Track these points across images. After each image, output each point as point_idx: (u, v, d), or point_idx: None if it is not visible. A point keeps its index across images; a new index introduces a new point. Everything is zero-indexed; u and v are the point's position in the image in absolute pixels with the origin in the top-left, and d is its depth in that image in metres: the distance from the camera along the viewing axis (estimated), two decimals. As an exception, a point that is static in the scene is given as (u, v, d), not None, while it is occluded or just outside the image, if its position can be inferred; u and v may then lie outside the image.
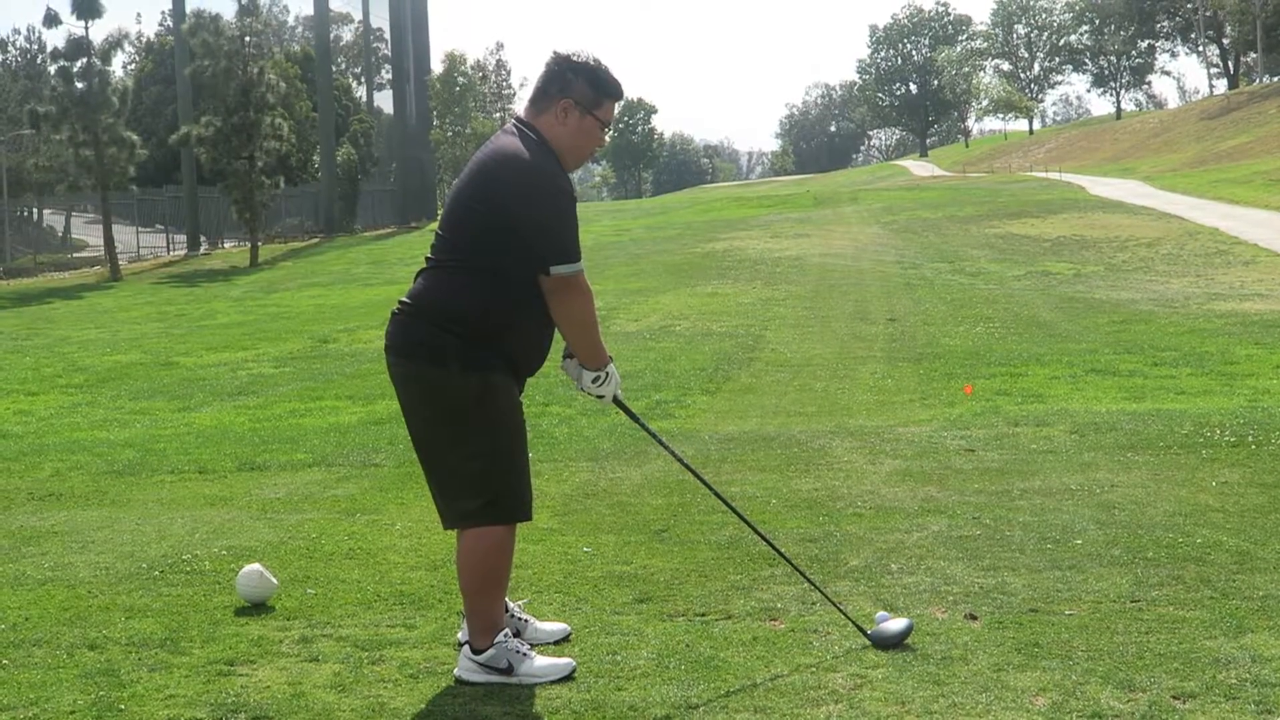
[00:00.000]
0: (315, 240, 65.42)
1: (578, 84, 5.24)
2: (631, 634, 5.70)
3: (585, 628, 5.82)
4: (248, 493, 9.39)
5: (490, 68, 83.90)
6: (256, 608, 6.25)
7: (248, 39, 56.39)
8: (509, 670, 5.15)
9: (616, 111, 5.47)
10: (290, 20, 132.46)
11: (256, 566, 6.38)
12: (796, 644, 5.50)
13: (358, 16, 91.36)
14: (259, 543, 7.63)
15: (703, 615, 5.97)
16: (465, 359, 5.10)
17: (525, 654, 5.20)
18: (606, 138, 5.45)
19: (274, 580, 6.37)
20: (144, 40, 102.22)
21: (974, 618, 5.77)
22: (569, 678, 5.14)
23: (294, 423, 13.35)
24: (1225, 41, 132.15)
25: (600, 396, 5.54)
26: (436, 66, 79.49)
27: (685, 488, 8.77)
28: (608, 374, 5.44)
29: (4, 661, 5.48)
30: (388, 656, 5.48)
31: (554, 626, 5.72)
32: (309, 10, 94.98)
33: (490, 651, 5.17)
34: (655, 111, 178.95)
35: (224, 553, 7.38)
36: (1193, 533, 7.15)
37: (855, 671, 5.08)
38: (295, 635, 5.81)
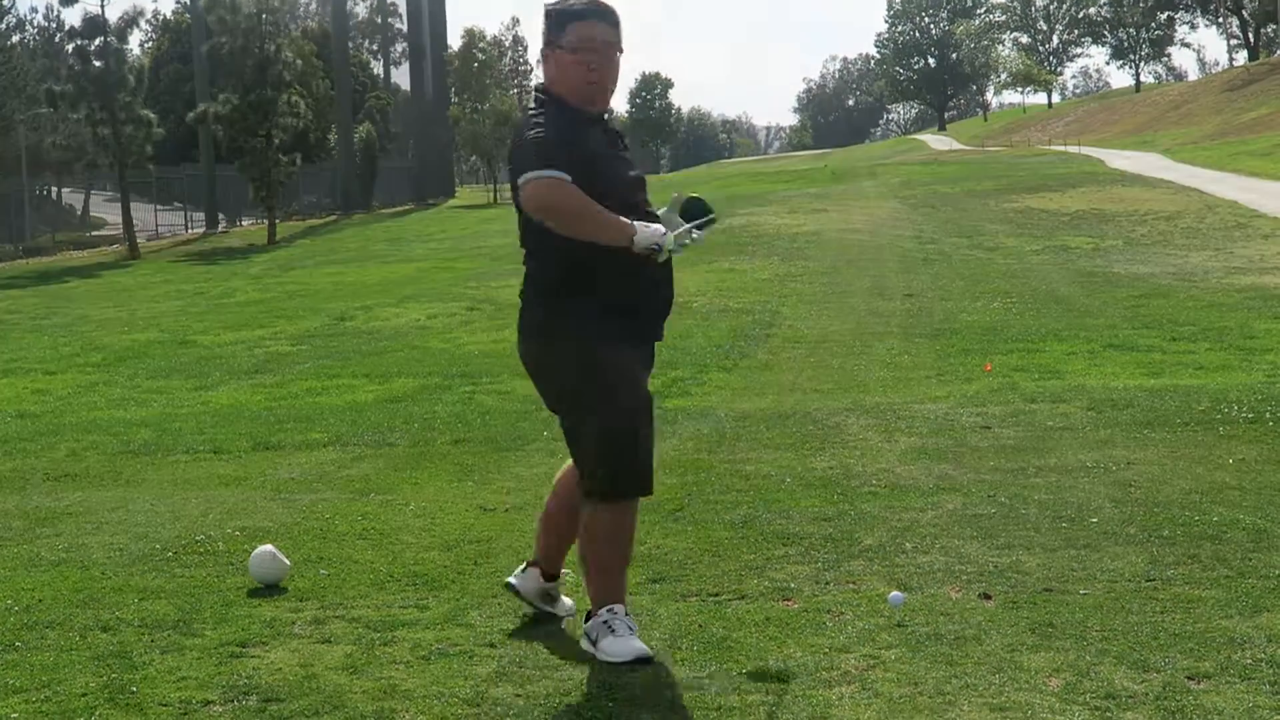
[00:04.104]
0: (333, 218, 65.50)
1: (546, 29, 5.20)
2: (644, 614, 5.68)
3: (598, 608, 5.80)
4: (262, 473, 9.39)
5: (507, 44, 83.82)
6: (269, 589, 6.24)
7: (264, 16, 56.35)
8: (594, 643, 5.19)
9: (597, 31, 5.13)
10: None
11: (269, 548, 6.37)
12: (809, 624, 5.48)
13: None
14: (272, 523, 7.63)
15: (716, 595, 5.96)
16: (562, 326, 5.13)
17: (613, 629, 5.17)
18: (598, 59, 5.12)
19: (286, 561, 6.37)
20: (161, 18, 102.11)
21: (988, 597, 5.75)
22: (639, 662, 5.06)
23: (310, 401, 13.37)
24: (1245, 13, 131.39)
25: (656, 248, 4.94)
26: (454, 42, 79.40)
27: (700, 467, 8.77)
28: (646, 232, 4.94)
29: (17, 643, 5.48)
30: (400, 638, 5.47)
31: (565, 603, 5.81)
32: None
33: (589, 621, 5.26)
34: (672, 86, 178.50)
35: (237, 533, 7.37)
36: (1209, 511, 7.12)
37: (868, 652, 5.06)
38: (308, 616, 5.80)
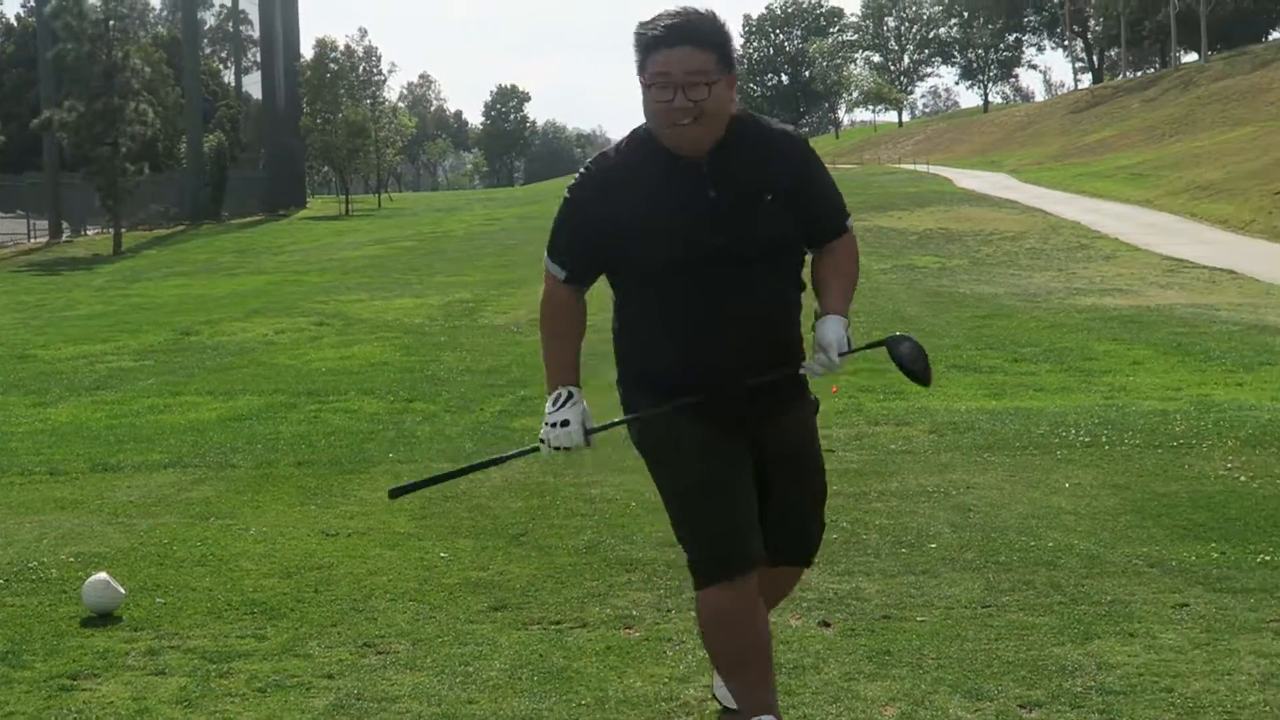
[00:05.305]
0: (181, 228, 64.45)
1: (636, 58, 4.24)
2: (485, 643, 5.67)
3: (439, 637, 5.77)
4: (99, 495, 9.19)
5: (360, 54, 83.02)
6: (103, 618, 6.12)
7: (112, 22, 55.40)
8: None
9: (663, 63, 4.09)
10: (155, 3, 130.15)
11: (103, 575, 6.26)
12: (650, 653, 5.49)
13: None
14: (109, 549, 7.48)
15: (557, 624, 5.96)
16: (623, 398, 4.52)
17: None
18: (669, 95, 4.10)
19: (121, 589, 6.25)
20: (4, 22, 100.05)
21: (827, 625, 5.80)
22: None
23: (152, 419, 13.13)
24: (1090, 36, 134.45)
25: (542, 441, 4.39)
26: (306, 52, 78.70)
27: (545, 490, 8.75)
28: (555, 408, 4.38)
29: None
30: (236, 669, 5.39)
31: None
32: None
33: None
34: (528, 99, 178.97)
35: (72, 560, 7.22)
36: (1044, 536, 7.24)
37: (708, 683, 5.08)
38: (142, 647, 5.70)
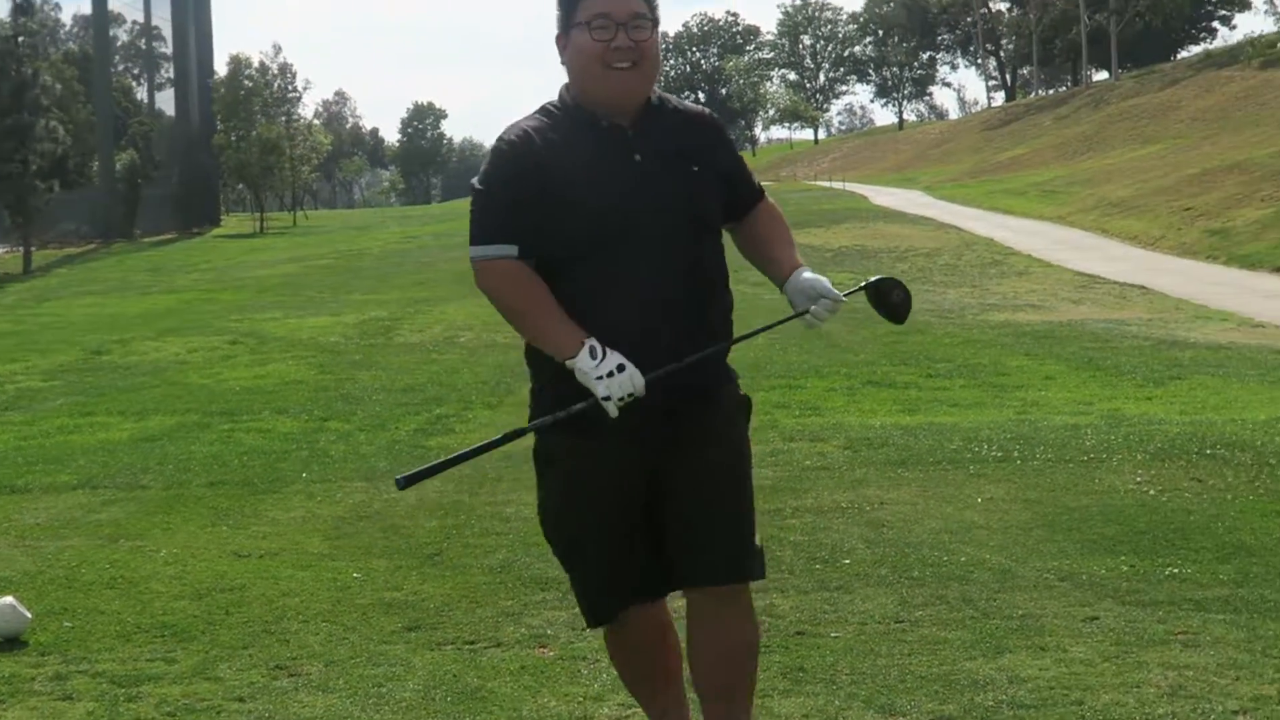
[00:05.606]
0: (92, 246, 63.81)
1: (557, 14, 4.08)
2: (399, 664, 5.64)
3: (352, 658, 5.74)
4: (6, 518, 9.04)
5: (275, 71, 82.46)
6: (8, 643, 6.04)
7: (22, 39, 54.89)
8: None
9: (604, 4, 3.96)
10: (67, 20, 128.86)
11: (8, 599, 6.17)
12: (565, 672, 5.48)
13: (131, 15, 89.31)
14: (15, 573, 7.37)
15: (472, 644, 5.94)
16: (531, 410, 4.23)
17: None
18: (609, 34, 3.95)
19: (27, 614, 6.17)
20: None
21: (742, 642, 5.80)
22: None
23: (61, 440, 12.97)
24: (1002, 54, 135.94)
25: (606, 399, 3.87)
26: (220, 68, 78.22)
27: (460, 509, 8.71)
28: (598, 361, 3.87)
29: None
30: (145, 693, 5.33)
31: None
32: (86, 9, 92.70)
33: None
34: (445, 116, 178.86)
35: (-23, 584, 7.12)
36: (957, 551, 7.29)
37: (623, 700, 5.08)
38: (49, 672, 5.63)
